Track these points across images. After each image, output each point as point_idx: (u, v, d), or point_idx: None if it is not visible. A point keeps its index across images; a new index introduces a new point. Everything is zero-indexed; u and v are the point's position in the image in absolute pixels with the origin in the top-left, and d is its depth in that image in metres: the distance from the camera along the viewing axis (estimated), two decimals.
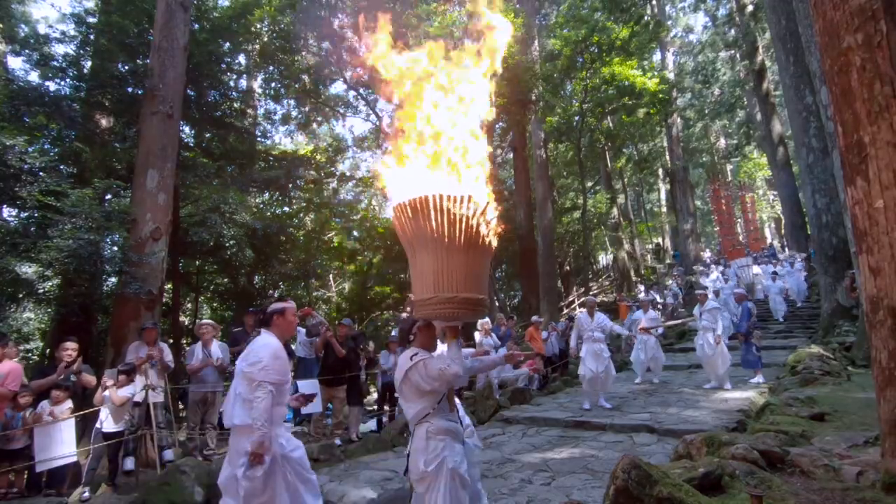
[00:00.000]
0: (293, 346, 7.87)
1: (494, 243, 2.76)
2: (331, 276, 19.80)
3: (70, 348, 5.55)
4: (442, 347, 3.03)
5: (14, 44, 10.46)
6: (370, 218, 20.65)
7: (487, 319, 8.97)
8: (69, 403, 5.20)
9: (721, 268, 19.04)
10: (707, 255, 25.04)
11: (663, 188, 32.22)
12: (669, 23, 29.07)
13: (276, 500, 2.89)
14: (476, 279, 2.65)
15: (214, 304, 14.97)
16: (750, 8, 21.91)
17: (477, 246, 2.62)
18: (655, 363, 9.26)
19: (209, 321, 7.39)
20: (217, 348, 6.65)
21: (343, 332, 7.24)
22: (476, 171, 2.84)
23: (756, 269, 17.22)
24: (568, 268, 24.93)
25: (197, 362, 6.43)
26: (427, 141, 2.81)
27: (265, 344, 3.01)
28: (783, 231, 26.84)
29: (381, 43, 2.91)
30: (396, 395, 3.14)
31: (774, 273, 15.35)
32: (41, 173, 7.90)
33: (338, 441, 6.49)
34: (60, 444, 4.94)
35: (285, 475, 2.95)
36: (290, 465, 2.98)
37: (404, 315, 11.71)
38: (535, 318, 10.88)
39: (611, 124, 21.75)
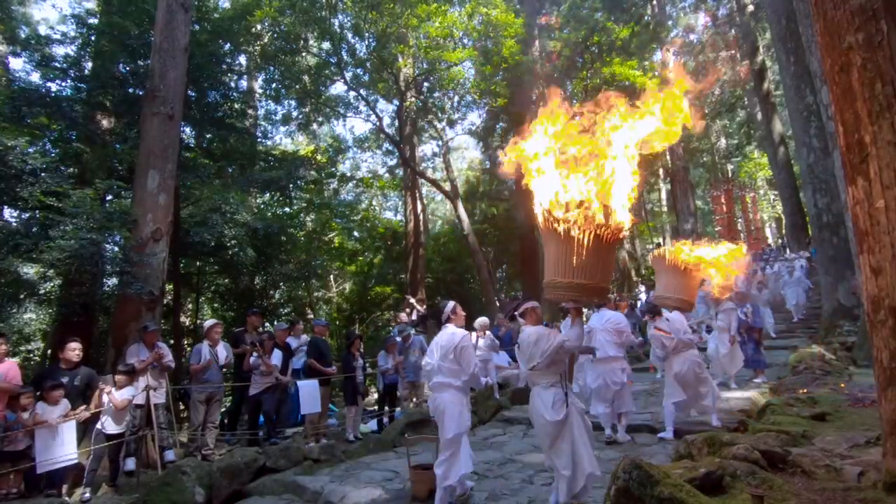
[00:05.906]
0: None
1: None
2: (331, 276, 19.78)
3: (77, 348, 5.59)
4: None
5: (15, 45, 10.48)
6: (371, 218, 20.62)
7: (486, 319, 8.90)
8: (66, 403, 5.20)
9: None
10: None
11: (664, 188, 32.18)
12: (670, 23, 29.00)
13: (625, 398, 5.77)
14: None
15: (215, 305, 14.96)
16: (750, 8, 21.87)
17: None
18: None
19: (217, 321, 7.41)
20: (222, 348, 6.74)
21: (318, 332, 7.44)
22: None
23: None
24: None
25: (204, 361, 6.49)
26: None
27: (615, 314, 5.94)
28: (784, 231, 26.80)
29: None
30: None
31: (760, 283, 14.09)
32: (42, 174, 7.90)
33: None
34: (61, 445, 4.94)
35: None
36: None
37: (403, 315, 11.66)
38: None
39: None
